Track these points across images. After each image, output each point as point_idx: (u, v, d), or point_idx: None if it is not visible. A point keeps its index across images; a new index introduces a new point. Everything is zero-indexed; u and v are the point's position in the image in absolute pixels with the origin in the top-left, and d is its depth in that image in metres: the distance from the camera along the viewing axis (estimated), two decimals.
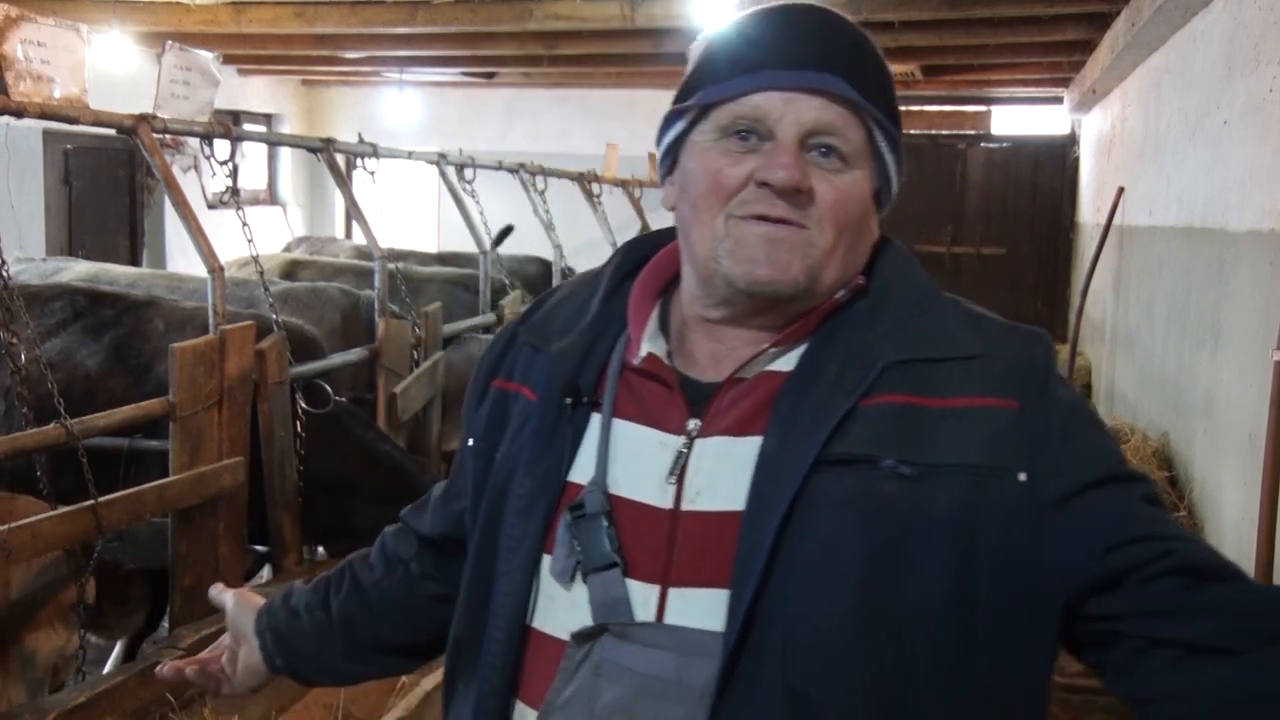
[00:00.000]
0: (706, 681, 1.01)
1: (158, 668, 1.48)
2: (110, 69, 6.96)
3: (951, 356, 1.07)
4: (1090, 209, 9.06)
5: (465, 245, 6.60)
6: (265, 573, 3.93)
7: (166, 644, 3.12)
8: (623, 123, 11.46)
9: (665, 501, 1.08)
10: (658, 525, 1.08)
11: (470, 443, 1.25)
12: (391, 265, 4.68)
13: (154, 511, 3.05)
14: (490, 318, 5.40)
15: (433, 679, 3.18)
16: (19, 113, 2.94)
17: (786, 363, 1.11)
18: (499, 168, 6.44)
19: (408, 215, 11.53)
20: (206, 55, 3.75)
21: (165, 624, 3.57)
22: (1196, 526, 4.19)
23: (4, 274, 2.87)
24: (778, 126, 1.07)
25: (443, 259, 7.36)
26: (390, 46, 8.49)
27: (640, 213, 9.11)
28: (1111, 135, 7.95)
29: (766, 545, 1.00)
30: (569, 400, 1.15)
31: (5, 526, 2.43)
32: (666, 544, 1.07)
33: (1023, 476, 1.03)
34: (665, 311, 1.20)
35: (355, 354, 4.27)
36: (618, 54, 8.60)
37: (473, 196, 5.86)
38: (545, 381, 1.17)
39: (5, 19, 2.86)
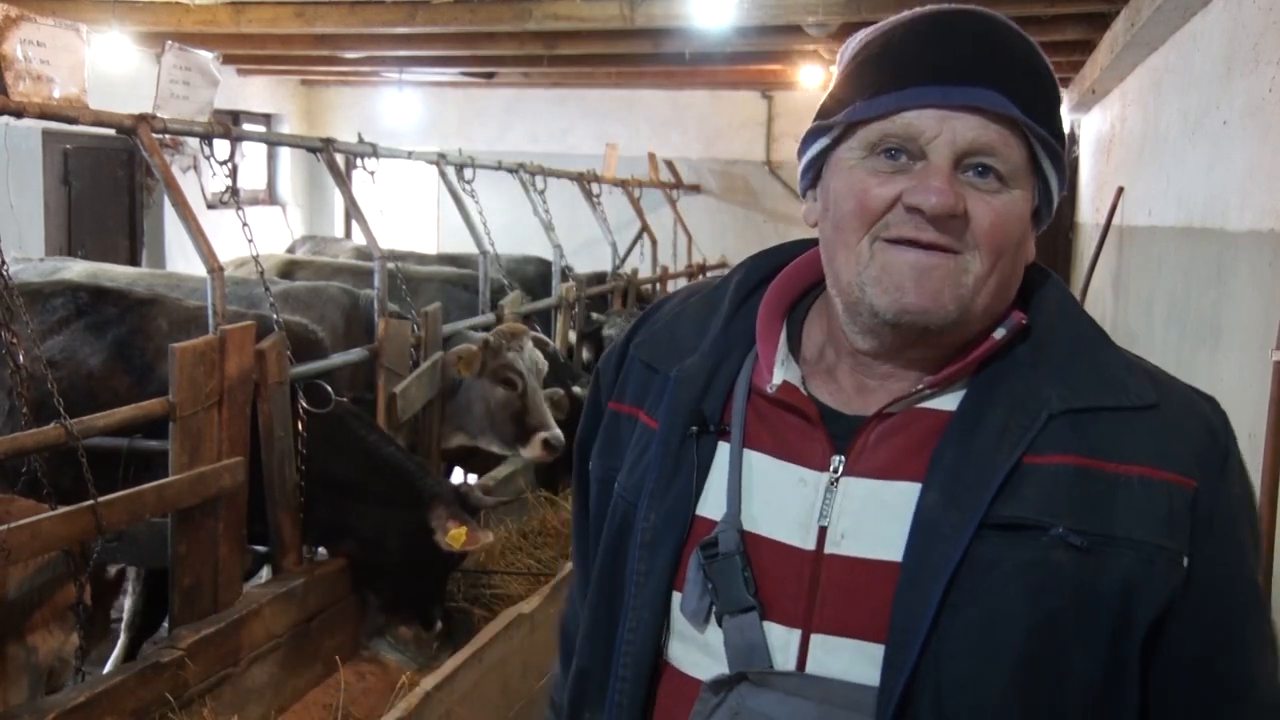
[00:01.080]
0: None
1: None
2: (110, 69, 6.97)
3: (1124, 406, 1.01)
4: (1090, 209, 9.05)
5: (465, 245, 6.60)
6: (265, 573, 3.93)
7: (166, 644, 3.12)
8: (622, 123, 11.48)
9: (807, 542, 1.03)
10: (798, 567, 1.03)
11: (589, 465, 1.21)
12: (391, 265, 4.68)
13: (154, 511, 3.05)
14: (489, 318, 5.40)
15: (433, 679, 3.17)
16: (19, 113, 2.93)
17: (941, 402, 1.04)
18: (498, 168, 6.43)
19: (408, 215, 11.54)
20: (206, 55, 3.75)
21: (165, 624, 3.57)
22: None
23: (4, 273, 2.87)
24: (930, 147, 1.00)
25: (442, 260, 7.36)
26: (390, 46, 8.49)
27: (640, 213, 9.11)
28: (1111, 135, 7.94)
29: (930, 613, 0.96)
30: (694, 429, 1.09)
31: (5, 526, 2.42)
32: (809, 588, 1.02)
33: (1185, 561, 0.99)
34: (793, 331, 1.13)
35: (355, 354, 4.27)
36: (617, 54, 8.60)
37: (472, 196, 5.85)
38: (668, 408, 1.11)
39: (5, 19, 2.85)
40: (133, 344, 3.71)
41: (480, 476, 5.11)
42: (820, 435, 1.05)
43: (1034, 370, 1.03)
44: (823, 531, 1.02)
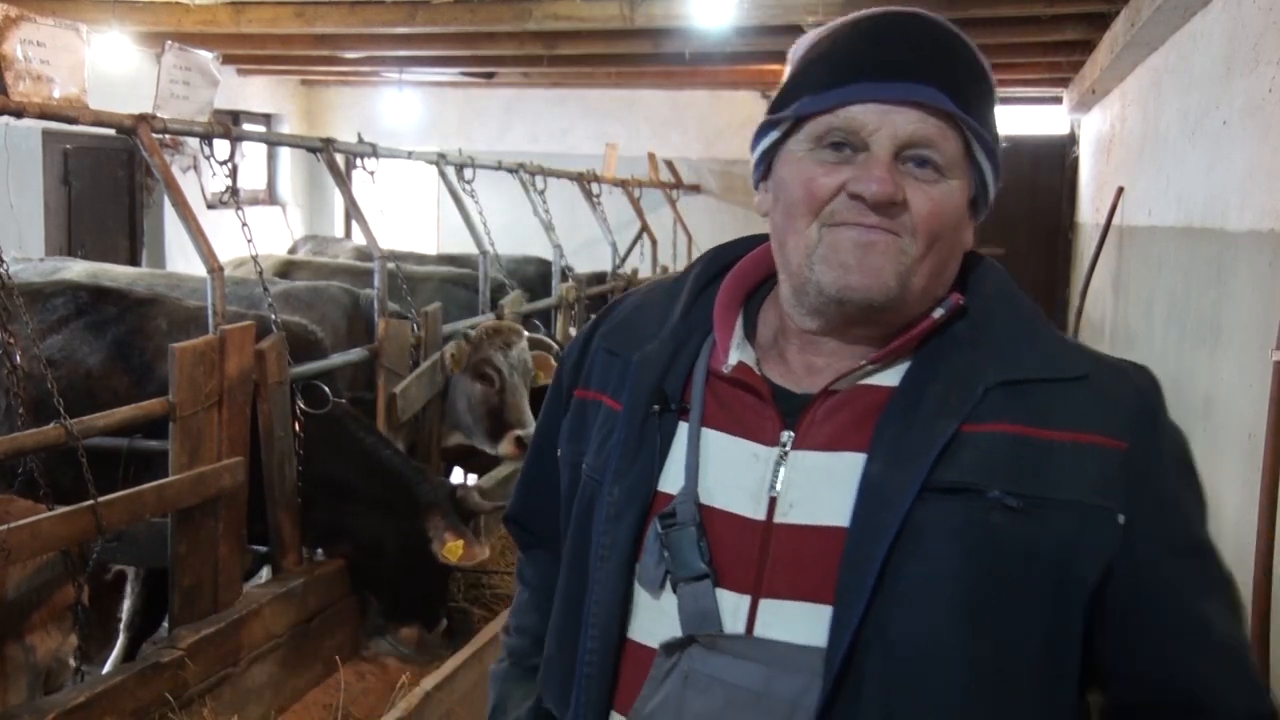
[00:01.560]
0: (796, 695, 1.02)
1: None
2: (110, 69, 6.96)
3: (1057, 377, 1.07)
4: (1090, 209, 9.06)
5: (465, 245, 6.60)
6: (265, 573, 3.93)
7: (166, 644, 3.12)
8: (622, 123, 11.47)
9: (758, 513, 1.08)
10: (749, 537, 1.08)
11: (558, 452, 1.26)
12: (391, 265, 4.68)
13: (154, 511, 3.05)
14: (489, 318, 5.40)
15: (433, 679, 3.18)
16: (19, 113, 2.93)
17: (884, 378, 1.10)
18: (498, 168, 6.43)
19: (408, 215, 11.53)
20: (206, 55, 3.75)
21: (165, 624, 3.56)
22: None
23: (3, 274, 2.87)
24: (872, 139, 1.06)
25: (442, 260, 7.35)
26: (390, 46, 8.49)
27: (640, 213, 9.11)
28: (1111, 135, 7.94)
29: (874, 571, 1.00)
30: (655, 408, 1.15)
31: (5, 526, 2.42)
32: (758, 555, 1.07)
33: (1122, 519, 1.04)
34: (749, 319, 1.20)
35: (355, 354, 4.27)
36: (617, 54, 8.60)
37: (472, 196, 5.85)
38: (631, 389, 1.17)
39: (5, 19, 2.85)
40: (132, 343, 3.71)
41: (480, 476, 5.11)
42: (771, 413, 1.11)
43: (972, 347, 1.09)
44: (773, 502, 1.08)
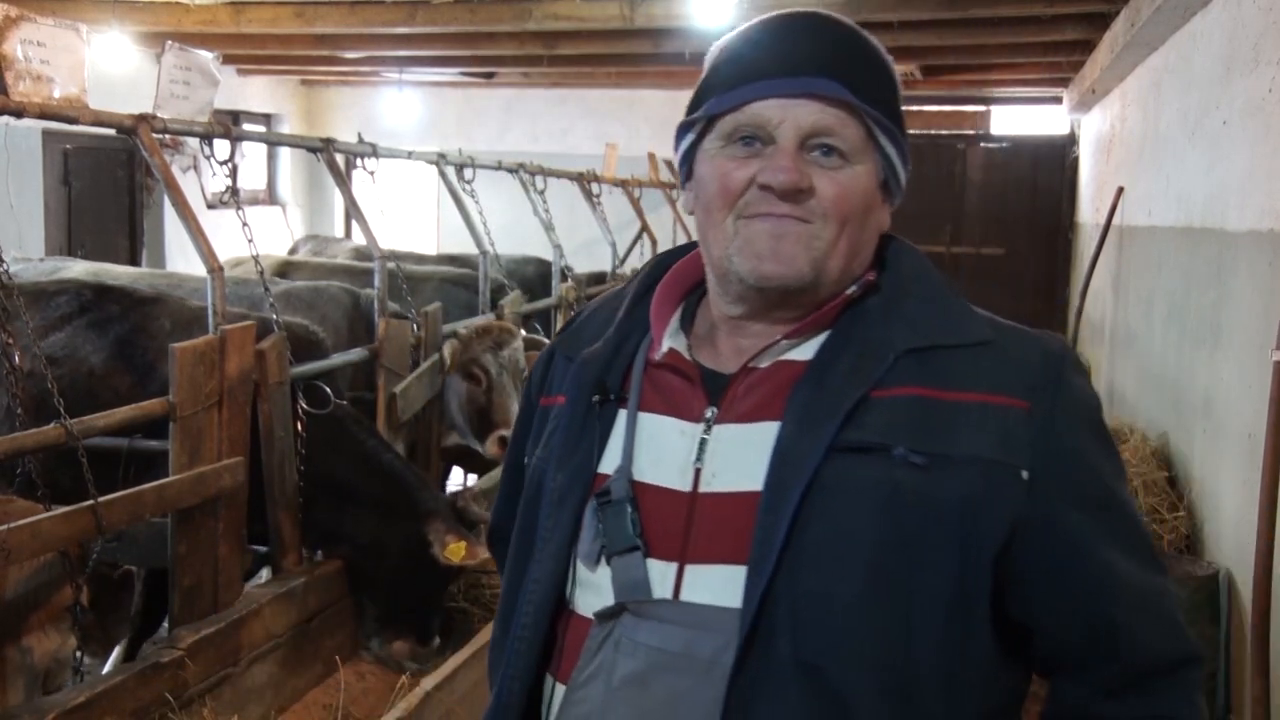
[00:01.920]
0: (713, 654, 1.07)
1: None
2: (110, 69, 6.97)
3: (963, 343, 1.12)
4: (1089, 209, 9.06)
5: (465, 245, 6.60)
6: (265, 573, 3.93)
7: (166, 644, 3.12)
8: (622, 123, 11.47)
9: (684, 485, 1.14)
10: (677, 507, 1.14)
11: (525, 459, 1.33)
12: (391, 265, 4.67)
13: (154, 511, 3.05)
14: (489, 318, 5.39)
15: (433, 679, 3.18)
16: (19, 113, 2.93)
17: (801, 353, 1.16)
18: (498, 168, 6.43)
19: (408, 215, 11.54)
20: (206, 55, 3.75)
21: (165, 624, 3.56)
22: (1196, 526, 4.19)
23: (3, 274, 2.87)
24: (777, 132, 1.13)
25: (442, 260, 7.35)
26: (390, 46, 8.49)
27: (640, 213, 9.11)
28: (1111, 135, 7.94)
29: (783, 528, 1.05)
30: (596, 399, 1.21)
31: (5, 526, 2.42)
32: (685, 524, 1.13)
33: (1025, 474, 1.08)
34: (689, 315, 1.27)
35: (355, 354, 4.27)
36: (617, 54, 8.60)
37: (472, 196, 5.85)
38: (573, 383, 1.24)
39: (5, 19, 2.85)
40: (135, 343, 3.71)
41: (480, 477, 5.10)
42: (699, 392, 1.17)
43: (884, 320, 1.15)
44: (698, 473, 1.14)
